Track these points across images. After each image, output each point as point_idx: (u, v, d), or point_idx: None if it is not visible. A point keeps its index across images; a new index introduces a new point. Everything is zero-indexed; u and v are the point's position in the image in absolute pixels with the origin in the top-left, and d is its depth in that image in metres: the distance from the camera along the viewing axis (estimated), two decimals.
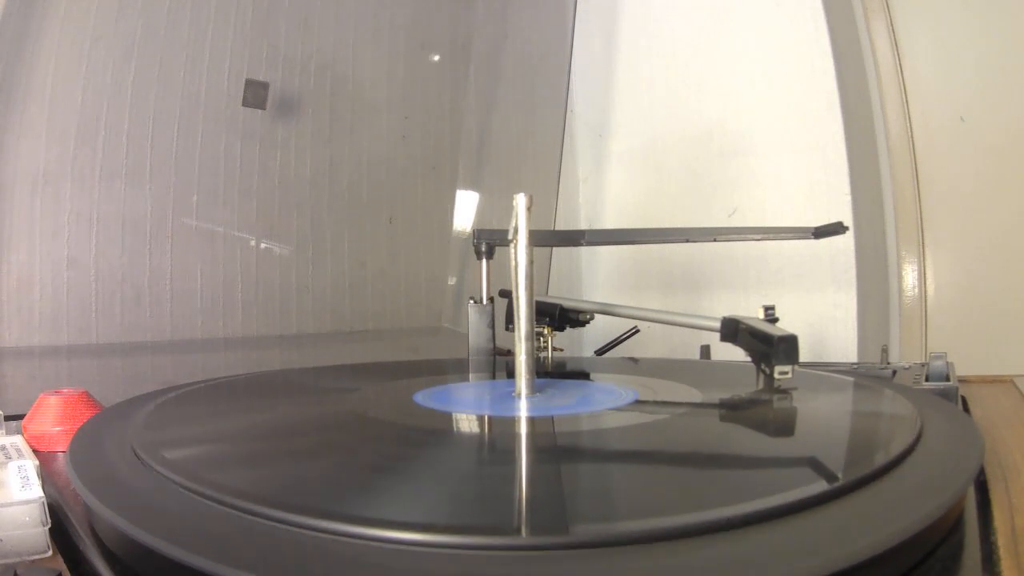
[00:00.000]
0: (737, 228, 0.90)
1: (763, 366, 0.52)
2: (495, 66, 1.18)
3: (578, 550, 0.23)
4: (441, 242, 1.15)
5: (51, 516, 0.30)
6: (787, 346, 0.49)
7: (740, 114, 0.96)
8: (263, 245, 0.96)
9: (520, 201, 0.48)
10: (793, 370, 0.49)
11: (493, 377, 0.63)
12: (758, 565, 0.22)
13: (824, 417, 0.45)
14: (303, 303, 1.00)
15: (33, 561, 0.29)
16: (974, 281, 0.92)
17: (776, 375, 0.49)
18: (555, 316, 0.71)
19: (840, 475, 0.29)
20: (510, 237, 0.48)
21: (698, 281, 0.99)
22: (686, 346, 0.76)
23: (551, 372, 0.63)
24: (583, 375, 0.61)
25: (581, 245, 0.92)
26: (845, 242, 0.85)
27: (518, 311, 0.48)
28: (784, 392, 0.49)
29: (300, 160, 1.00)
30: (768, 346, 0.50)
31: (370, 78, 1.07)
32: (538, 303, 0.66)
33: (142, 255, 0.86)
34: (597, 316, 0.73)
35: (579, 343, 0.93)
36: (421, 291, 1.12)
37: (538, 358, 0.68)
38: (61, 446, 0.43)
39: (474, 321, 0.72)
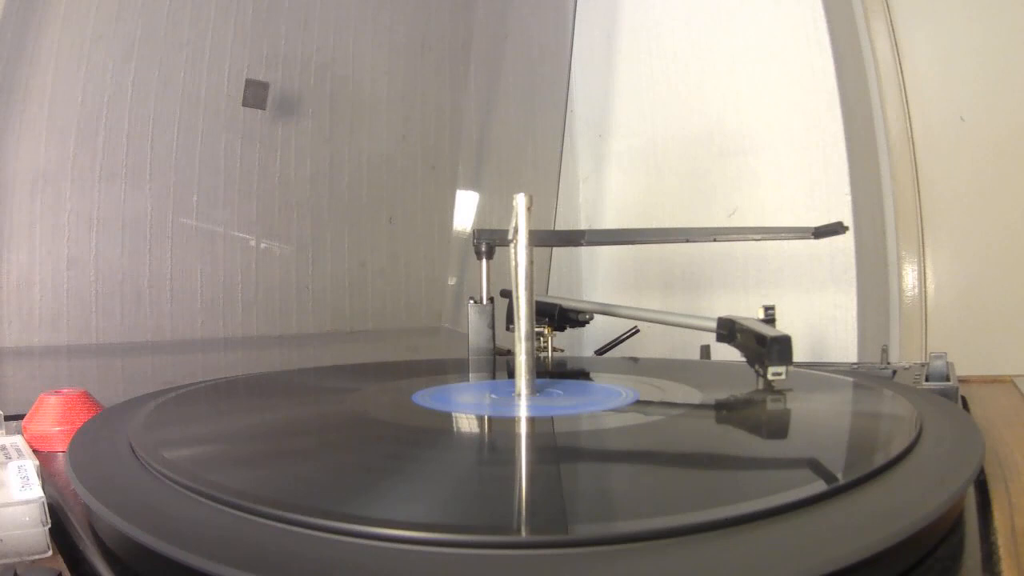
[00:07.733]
0: (737, 228, 0.90)
1: (757, 367, 0.52)
2: (495, 66, 1.18)
3: (578, 550, 0.23)
4: (441, 242, 1.15)
5: (51, 516, 0.30)
6: (780, 347, 0.49)
7: (740, 114, 0.96)
8: (263, 245, 0.96)
9: (520, 201, 0.48)
10: (787, 371, 0.48)
11: (493, 377, 0.63)
12: (758, 565, 0.22)
13: (824, 417, 0.45)
14: (303, 303, 1.00)
15: (33, 561, 0.29)
16: (974, 281, 0.92)
17: (770, 376, 0.48)
18: (555, 316, 0.71)
19: (840, 475, 0.29)
20: (510, 237, 0.48)
21: (698, 281, 0.99)
22: (686, 346, 0.76)
23: (551, 372, 0.63)
24: (583, 375, 0.61)
25: (581, 245, 0.92)
26: (845, 242, 0.85)
27: (518, 311, 0.48)
28: (784, 392, 0.49)
29: (300, 160, 1.00)
30: (762, 347, 0.50)
31: (370, 78, 1.07)
32: (538, 303, 0.66)
33: (142, 255, 0.86)
34: (597, 316, 0.73)
35: (579, 343, 0.93)
36: (421, 291, 1.12)
37: (538, 358, 0.68)
38: (61, 446, 0.43)
39: (474, 321, 0.72)
